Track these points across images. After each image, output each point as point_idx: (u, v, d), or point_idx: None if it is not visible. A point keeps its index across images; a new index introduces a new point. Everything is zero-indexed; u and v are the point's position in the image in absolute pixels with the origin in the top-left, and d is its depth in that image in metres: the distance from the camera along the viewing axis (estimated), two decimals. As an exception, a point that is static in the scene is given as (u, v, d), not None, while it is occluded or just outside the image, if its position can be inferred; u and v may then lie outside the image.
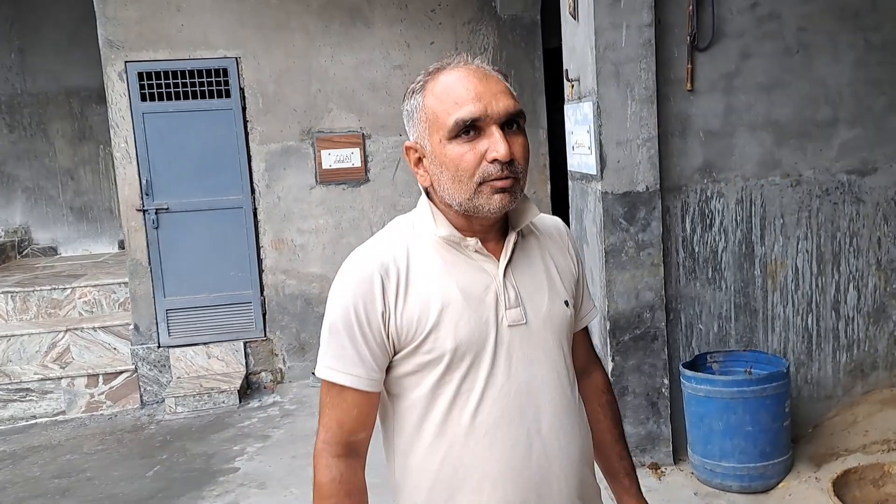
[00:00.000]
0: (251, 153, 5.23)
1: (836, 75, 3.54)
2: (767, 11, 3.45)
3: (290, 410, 4.93)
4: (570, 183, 3.98)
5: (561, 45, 3.99)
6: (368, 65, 5.26)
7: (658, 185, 3.42)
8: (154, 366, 5.23)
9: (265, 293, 5.36)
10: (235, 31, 5.10)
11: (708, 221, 3.57)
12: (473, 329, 1.23)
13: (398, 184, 5.40)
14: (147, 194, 5.14)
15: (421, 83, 1.26)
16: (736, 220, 3.59)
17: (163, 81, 5.08)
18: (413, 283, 1.24)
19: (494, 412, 1.24)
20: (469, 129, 1.19)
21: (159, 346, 5.25)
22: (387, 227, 1.35)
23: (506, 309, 1.26)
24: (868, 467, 3.10)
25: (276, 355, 5.40)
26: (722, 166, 3.53)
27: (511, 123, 1.22)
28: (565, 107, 3.92)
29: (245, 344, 5.35)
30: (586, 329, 1.53)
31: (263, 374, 5.40)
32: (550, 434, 1.28)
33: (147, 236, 5.18)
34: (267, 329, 5.39)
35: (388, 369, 1.27)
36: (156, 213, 5.16)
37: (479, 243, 1.27)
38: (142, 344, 5.22)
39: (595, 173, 3.43)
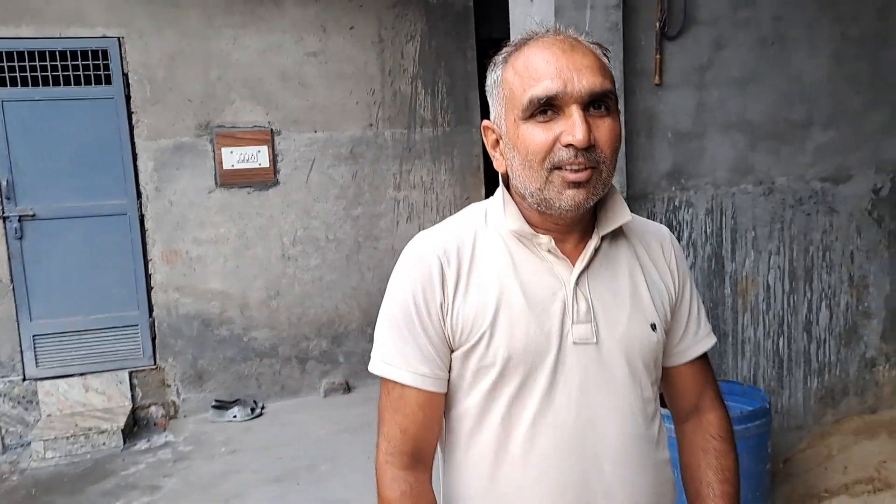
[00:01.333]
0: (137, 150, 4.47)
1: (812, 70, 3.18)
2: (743, -4, 3.05)
3: (185, 453, 4.21)
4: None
5: (492, 37, 3.48)
6: (278, 50, 4.59)
7: (624, 194, 2.95)
8: (18, 402, 4.39)
9: (155, 314, 4.60)
10: (117, 6, 4.33)
11: (676, 234, 3.13)
12: (532, 339, 1.11)
13: (313, 187, 4.75)
14: (8, 198, 4.30)
15: (504, 55, 1.14)
16: (706, 232, 3.17)
17: (27, 63, 4.25)
18: (474, 278, 1.13)
19: (546, 441, 1.11)
20: (546, 108, 1.06)
21: (24, 379, 4.41)
22: (460, 212, 1.24)
23: (573, 323, 1.13)
24: (861, 515, 2.74)
25: (169, 386, 4.66)
26: (691, 172, 3.10)
27: (598, 104, 1.08)
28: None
29: (131, 374, 4.58)
30: (702, 362, 1.32)
31: (153, 408, 4.64)
32: (614, 476, 1.13)
33: (8, 248, 4.33)
34: (157, 356, 4.64)
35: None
36: (19, 220, 4.33)
37: (553, 242, 1.14)
38: (2, 377, 4.37)
39: (552, 178, 2.93)
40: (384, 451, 1.15)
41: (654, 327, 1.18)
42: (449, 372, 1.15)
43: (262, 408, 4.75)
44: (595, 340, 1.13)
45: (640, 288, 1.20)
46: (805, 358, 3.37)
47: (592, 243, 1.16)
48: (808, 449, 3.38)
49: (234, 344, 4.74)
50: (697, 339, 1.30)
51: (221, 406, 4.65)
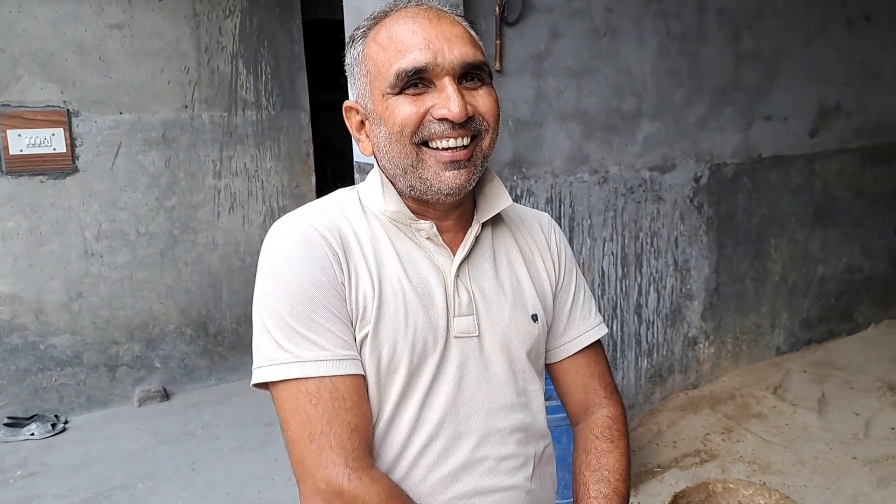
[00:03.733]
0: None
1: (640, 63, 3.28)
2: (577, -14, 3.07)
3: (-29, 482, 3.63)
4: (356, 176, 3.29)
5: (318, 17, 3.27)
6: (75, 21, 4.04)
7: (469, 182, 2.87)
8: None
9: (-74, 324, 3.92)
10: None
11: (517, 223, 3.11)
12: (419, 333, 1.02)
13: (119, 175, 4.26)
14: None
15: (363, 29, 1.06)
16: (545, 221, 3.18)
17: None
18: (359, 266, 1.02)
19: (422, 439, 1.02)
20: (416, 81, 0.98)
21: None
22: (325, 197, 1.12)
23: (454, 316, 1.05)
24: (694, 489, 2.87)
25: (-52, 406, 4.00)
26: (532, 161, 3.09)
27: (470, 76, 1.01)
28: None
29: None
30: (588, 355, 1.23)
31: (-72, 432, 3.96)
32: (490, 474, 1.07)
33: None
34: (-69, 372, 3.96)
35: None
36: None
37: (434, 228, 1.06)
38: None
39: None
40: (342, 463, 0.93)
41: (535, 318, 1.14)
42: None
43: (66, 423, 4.21)
44: (477, 333, 1.07)
45: (521, 277, 1.15)
46: (636, 340, 3.50)
47: (473, 231, 1.09)
48: (639, 427, 3.52)
49: (29, 353, 4.16)
50: (581, 331, 1.23)
51: (16, 423, 4.06)
